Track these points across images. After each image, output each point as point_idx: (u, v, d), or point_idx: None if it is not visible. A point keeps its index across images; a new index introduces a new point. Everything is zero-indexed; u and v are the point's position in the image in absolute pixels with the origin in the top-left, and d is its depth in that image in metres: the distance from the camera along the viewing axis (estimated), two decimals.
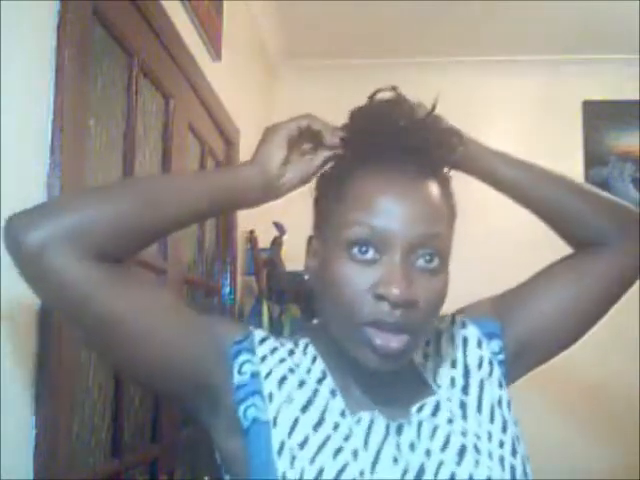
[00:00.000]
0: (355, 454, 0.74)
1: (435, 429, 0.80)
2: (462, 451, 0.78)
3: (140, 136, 1.62)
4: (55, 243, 0.68)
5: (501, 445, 0.80)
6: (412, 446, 0.78)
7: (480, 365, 0.88)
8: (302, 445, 0.74)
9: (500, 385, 0.87)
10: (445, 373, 0.87)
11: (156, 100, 1.77)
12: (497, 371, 0.88)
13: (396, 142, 0.77)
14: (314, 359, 0.84)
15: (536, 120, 3.28)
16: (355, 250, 0.76)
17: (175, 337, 0.76)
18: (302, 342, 0.86)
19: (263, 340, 0.83)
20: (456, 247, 0.80)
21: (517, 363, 0.90)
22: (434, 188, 0.79)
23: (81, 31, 1.21)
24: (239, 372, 0.79)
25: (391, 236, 0.75)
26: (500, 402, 0.85)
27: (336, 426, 0.77)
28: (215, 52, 2.17)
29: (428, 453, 0.77)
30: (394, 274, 0.74)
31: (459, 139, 0.81)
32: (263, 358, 0.81)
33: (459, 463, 0.77)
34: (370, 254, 0.75)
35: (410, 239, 0.75)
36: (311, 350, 0.85)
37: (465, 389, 0.86)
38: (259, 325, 2.38)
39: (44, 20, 1.11)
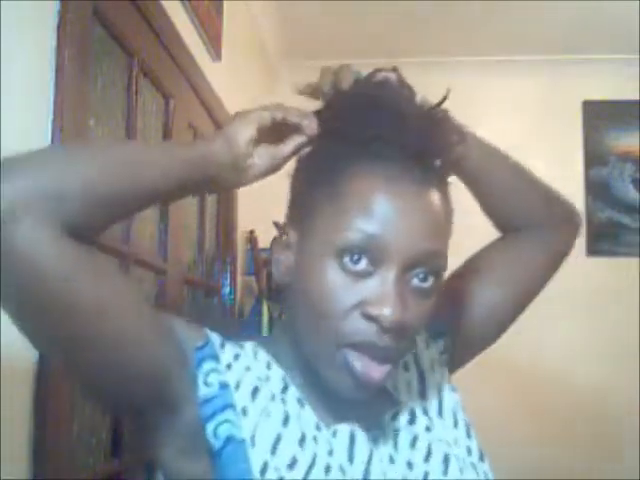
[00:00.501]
0: (342, 471, 0.67)
1: (415, 439, 0.74)
2: (446, 460, 0.73)
3: (140, 136, 1.62)
4: (28, 206, 0.56)
5: (469, 452, 0.76)
6: (391, 458, 0.71)
7: (432, 368, 0.83)
8: (291, 465, 0.65)
9: (453, 388, 0.83)
10: (400, 377, 0.81)
11: (156, 100, 1.77)
12: (446, 372, 0.84)
13: (401, 137, 0.67)
14: (268, 365, 0.73)
15: (536, 120, 3.28)
16: (346, 259, 0.66)
17: (145, 336, 0.65)
18: (248, 345, 0.75)
19: (223, 345, 0.72)
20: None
21: (455, 360, 0.87)
22: (437, 197, 0.70)
23: (81, 31, 1.21)
24: (205, 383, 0.68)
25: (390, 249, 0.66)
26: (457, 406, 0.81)
27: (316, 441, 0.68)
28: (215, 52, 2.17)
29: (410, 465, 0.71)
30: (388, 293, 0.65)
31: (462, 138, 0.73)
32: (228, 366, 0.70)
33: (445, 473, 0.72)
34: (362, 265, 0.66)
35: (410, 255, 0.66)
36: (262, 355, 0.74)
37: (423, 394, 0.80)
38: (259, 325, 2.38)
39: (44, 20, 1.11)
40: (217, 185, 0.74)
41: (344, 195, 0.68)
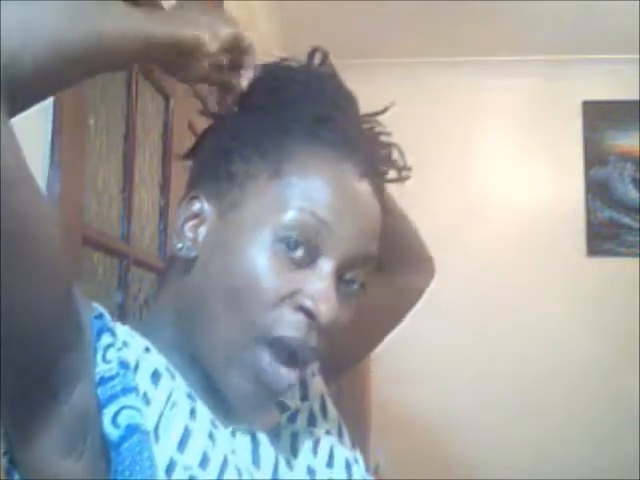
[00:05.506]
0: (250, 475, 0.61)
1: (317, 442, 0.68)
2: (348, 465, 0.68)
3: (140, 136, 1.62)
4: None
5: (356, 459, 0.72)
6: (289, 463, 0.65)
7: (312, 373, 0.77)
8: (203, 464, 0.57)
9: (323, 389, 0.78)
10: None
11: (156, 100, 1.77)
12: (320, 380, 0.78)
13: (351, 128, 0.64)
14: (147, 349, 0.62)
15: (536, 120, 3.27)
16: (281, 243, 0.59)
17: (57, 276, 0.53)
18: (118, 326, 0.63)
19: (113, 319, 0.62)
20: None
21: (326, 376, 0.80)
22: (377, 203, 0.66)
23: None
24: (104, 359, 0.57)
25: (334, 240, 0.60)
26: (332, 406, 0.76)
27: (216, 439, 0.60)
28: None
29: (311, 471, 0.66)
30: (328, 288, 0.59)
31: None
32: (125, 343, 0.60)
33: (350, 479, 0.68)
34: (299, 252, 0.59)
35: (351, 253, 0.61)
36: (136, 336, 0.63)
37: (305, 396, 0.73)
38: None
39: None
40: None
41: (290, 174, 0.61)
